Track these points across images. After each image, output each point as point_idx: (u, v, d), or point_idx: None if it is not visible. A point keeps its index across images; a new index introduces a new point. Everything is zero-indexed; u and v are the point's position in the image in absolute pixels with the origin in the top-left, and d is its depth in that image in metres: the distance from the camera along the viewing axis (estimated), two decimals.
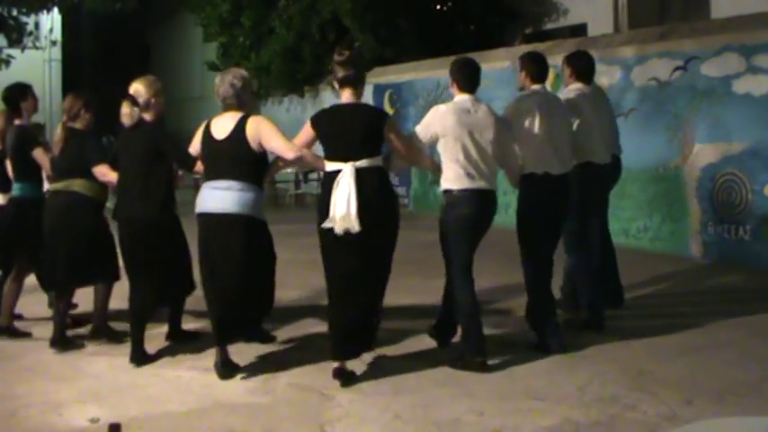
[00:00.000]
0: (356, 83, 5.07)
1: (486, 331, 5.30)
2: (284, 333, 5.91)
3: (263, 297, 5.26)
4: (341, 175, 4.75)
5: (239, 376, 5.04)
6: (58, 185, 5.74)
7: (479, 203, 5.10)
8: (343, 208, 4.67)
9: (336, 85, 5.09)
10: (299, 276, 7.11)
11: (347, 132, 4.87)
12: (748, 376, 4.90)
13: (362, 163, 4.79)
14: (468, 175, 5.07)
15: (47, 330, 5.77)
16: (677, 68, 8.84)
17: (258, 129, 4.98)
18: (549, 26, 14.64)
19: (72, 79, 25.29)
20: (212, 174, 5.05)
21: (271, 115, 18.13)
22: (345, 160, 4.79)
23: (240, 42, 18.27)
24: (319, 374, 5.04)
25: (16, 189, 6.13)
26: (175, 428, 4.32)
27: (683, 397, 4.53)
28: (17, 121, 6.21)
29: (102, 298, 5.82)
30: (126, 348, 5.41)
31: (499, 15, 15.19)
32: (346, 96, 5.03)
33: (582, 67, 6.04)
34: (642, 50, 9.34)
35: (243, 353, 5.38)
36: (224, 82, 5.16)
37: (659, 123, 8.95)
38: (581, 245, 5.92)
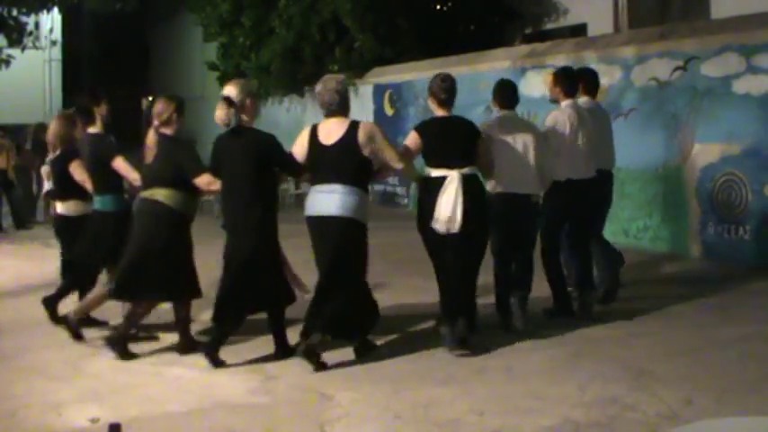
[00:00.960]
0: (452, 104, 5.55)
1: (487, 330, 5.29)
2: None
3: (367, 302, 5.31)
4: (448, 180, 5.24)
5: (239, 376, 5.05)
6: (146, 193, 5.42)
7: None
8: (449, 211, 5.19)
9: (435, 103, 5.53)
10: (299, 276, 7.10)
11: (451, 142, 5.40)
12: (748, 376, 4.90)
13: (466, 171, 5.32)
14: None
15: (49, 333, 5.78)
16: (677, 68, 8.84)
17: (371, 137, 5.21)
18: (549, 26, 14.64)
19: (72, 79, 25.30)
20: (320, 178, 5.20)
21: (271, 115, 18.15)
22: (450, 167, 5.30)
23: (240, 42, 18.27)
24: (319, 374, 5.05)
25: (97, 202, 5.90)
26: (175, 428, 4.32)
27: (683, 397, 4.53)
28: (91, 129, 5.92)
29: (184, 317, 5.54)
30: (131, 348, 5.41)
31: (499, 15, 15.18)
32: (443, 111, 5.52)
33: (569, 83, 6.24)
34: (642, 50, 9.34)
35: (242, 353, 5.39)
36: (328, 89, 5.30)
37: (659, 123, 8.95)
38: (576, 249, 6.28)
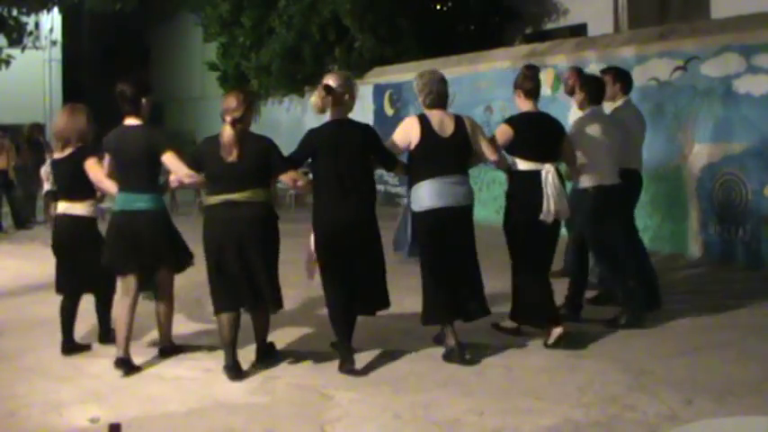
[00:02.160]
0: (538, 95, 5.68)
1: (487, 330, 5.30)
2: (285, 333, 5.90)
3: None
4: (546, 174, 5.45)
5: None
6: (235, 196, 4.98)
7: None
8: (555, 203, 5.42)
9: (522, 95, 5.64)
10: (299, 276, 7.10)
11: (544, 137, 5.58)
12: (748, 376, 4.90)
13: (555, 164, 5.57)
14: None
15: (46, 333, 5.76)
16: (677, 68, 8.84)
17: (474, 129, 5.40)
18: (549, 26, 14.64)
19: (72, 79, 25.30)
20: (437, 169, 5.23)
21: (271, 115, 18.17)
22: (544, 161, 5.49)
23: (240, 42, 18.28)
24: (319, 374, 5.05)
25: (143, 201, 5.19)
26: (175, 428, 4.32)
27: (683, 397, 4.53)
28: (132, 121, 5.31)
29: (264, 326, 5.31)
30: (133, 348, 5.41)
31: (499, 15, 15.18)
32: (530, 105, 5.64)
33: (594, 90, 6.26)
34: (642, 50, 9.34)
35: (242, 353, 5.39)
36: (436, 80, 5.38)
37: (659, 123, 8.94)
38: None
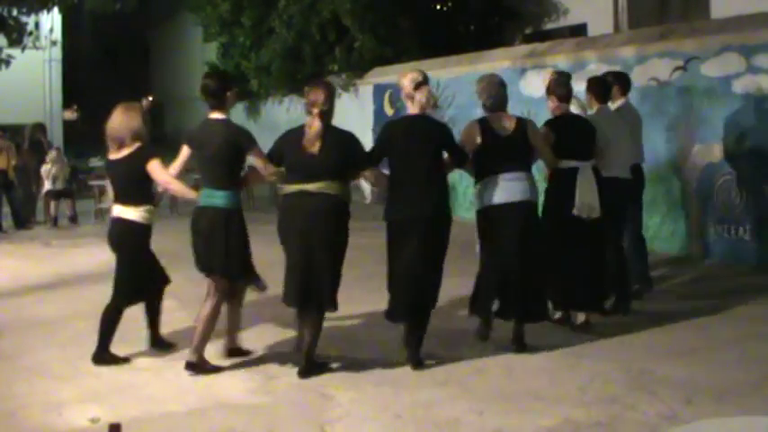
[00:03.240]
0: (570, 99, 6.11)
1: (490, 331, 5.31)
2: (285, 333, 5.90)
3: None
4: (585, 171, 5.82)
5: (239, 376, 5.05)
6: (310, 186, 4.98)
7: None
8: (589, 198, 5.77)
9: (556, 100, 5.99)
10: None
11: (581, 137, 5.98)
12: (748, 376, 4.90)
13: (591, 162, 5.93)
14: None
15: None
16: (677, 68, 8.84)
17: (533, 130, 5.68)
18: (549, 26, 14.64)
19: (72, 79, 25.31)
20: (501, 167, 5.46)
21: (271, 115, 18.17)
22: (583, 159, 5.87)
23: (240, 42, 18.29)
24: (319, 374, 5.04)
25: (220, 198, 5.04)
26: (175, 428, 4.32)
27: (683, 397, 4.53)
28: (216, 115, 5.16)
29: (317, 328, 5.10)
30: (128, 348, 5.41)
31: (499, 15, 15.19)
32: (564, 109, 6.02)
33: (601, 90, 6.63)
34: (642, 50, 9.33)
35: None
36: (493, 85, 5.64)
37: (659, 123, 8.94)
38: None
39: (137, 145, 5.34)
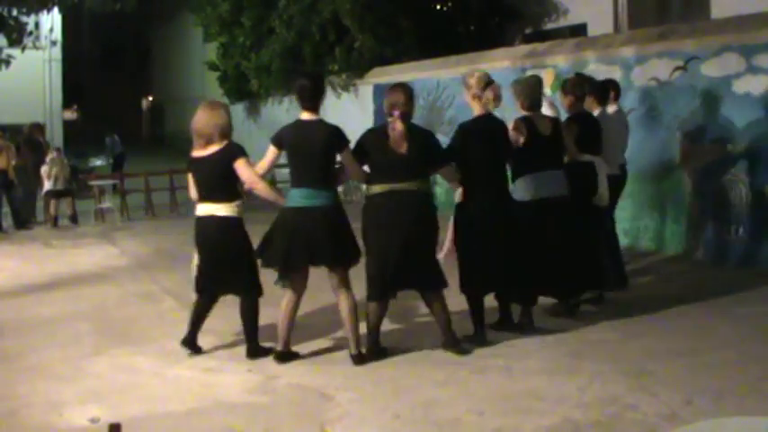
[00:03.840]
0: (584, 98, 6.60)
1: (489, 330, 5.31)
2: None
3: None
4: (602, 165, 6.37)
5: (239, 376, 5.05)
6: (400, 186, 5.15)
7: None
8: (604, 188, 6.35)
9: (574, 99, 6.43)
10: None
11: (598, 134, 6.46)
12: (748, 376, 4.90)
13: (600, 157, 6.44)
14: None
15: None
16: (677, 68, 8.84)
17: (562, 127, 6.14)
18: (549, 26, 14.64)
19: (72, 79, 25.32)
20: (540, 164, 5.88)
21: (271, 115, 18.17)
22: (598, 154, 6.39)
23: (240, 42, 18.29)
24: (319, 374, 5.05)
25: (326, 197, 5.15)
26: (175, 428, 4.33)
27: (683, 397, 4.53)
28: (309, 116, 5.22)
29: (443, 308, 5.37)
30: (128, 348, 5.41)
31: (499, 15, 15.19)
32: (580, 107, 6.50)
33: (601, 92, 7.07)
34: (642, 50, 9.34)
35: (242, 353, 5.39)
36: (531, 86, 6.02)
37: (659, 123, 8.95)
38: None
39: (225, 142, 5.31)
